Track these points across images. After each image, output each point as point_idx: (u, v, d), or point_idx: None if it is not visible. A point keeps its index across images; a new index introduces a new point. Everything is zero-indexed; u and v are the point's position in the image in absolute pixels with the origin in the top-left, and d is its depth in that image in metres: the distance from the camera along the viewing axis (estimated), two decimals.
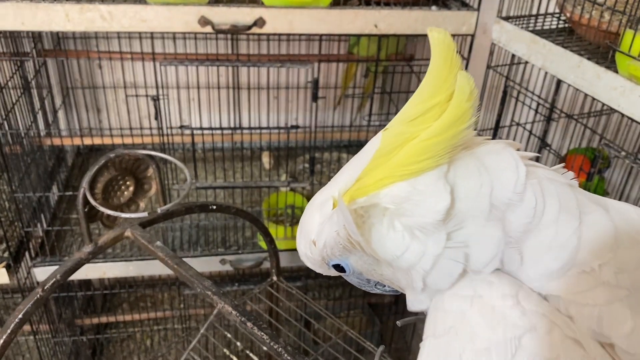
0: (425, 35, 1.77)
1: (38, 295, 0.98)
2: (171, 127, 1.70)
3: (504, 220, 0.54)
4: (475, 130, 0.55)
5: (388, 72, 2.23)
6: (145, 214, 1.01)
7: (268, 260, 1.88)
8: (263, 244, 1.89)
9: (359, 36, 1.90)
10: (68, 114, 2.12)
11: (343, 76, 2.21)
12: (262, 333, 0.87)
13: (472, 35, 1.62)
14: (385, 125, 0.59)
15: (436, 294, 0.57)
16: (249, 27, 1.46)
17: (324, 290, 2.44)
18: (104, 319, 2.26)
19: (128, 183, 1.10)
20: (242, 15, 1.46)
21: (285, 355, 0.83)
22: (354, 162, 0.58)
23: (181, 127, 1.64)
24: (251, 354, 1.27)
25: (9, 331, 0.96)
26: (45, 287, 1.00)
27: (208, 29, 1.46)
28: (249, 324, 0.89)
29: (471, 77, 0.53)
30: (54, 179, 2.01)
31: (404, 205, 0.54)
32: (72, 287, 2.10)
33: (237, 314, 0.90)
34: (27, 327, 2.11)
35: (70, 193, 1.92)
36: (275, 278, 1.51)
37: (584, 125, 1.58)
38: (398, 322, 0.74)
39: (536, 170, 0.56)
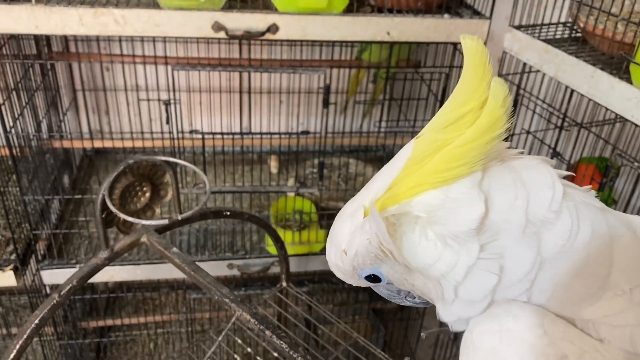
0: (436, 43, 1.76)
1: (55, 301, 0.98)
2: (182, 132, 1.70)
3: (539, 239, 0.54)
4: (508, 138, 0.55)
5: (396, 78, 2.23)
6: (165, 221, 1.01)
7: (275, 265, 1.88)
8: (271, 249, 1.90)
9: (370, 43, 1.90)
10: (76, 117, 2.12)
11: (352, 81, 2.21)
12: (281, 341, 0.87)
13: (484, 44, 1.62)
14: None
15: (471, 312, 0.57)
16: (263, 33, 1.46)
17: (329, 296, 2.44)
18: (108, 322, 2.26)
19: (145, 189, 1.10)
20: (256, 21, 1.46)
21: None
22: (386, 170, 0.58)
23: (192, 131, 1.63)
24: None
25: (25, 336, 0.96)
26: (62, 293, 1.00)
27: (221, 34, 1.46)
28: (267, 332, 0.89)
29: (505, 84, 0.53)
30: (60, 181, 2.00)
31: (436, 213, 0.54)
32: (76, 290, 2.09)
33: (256, 322, 0.90)
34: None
35: (79, 196, 1.92)
36: (284, 284, 1.50)
37: (596, 134, 1.58)
38: (423, 334, 0.74)
39: (572, 192, 0.56)
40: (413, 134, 2.06)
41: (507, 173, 0.55)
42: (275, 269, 1.88)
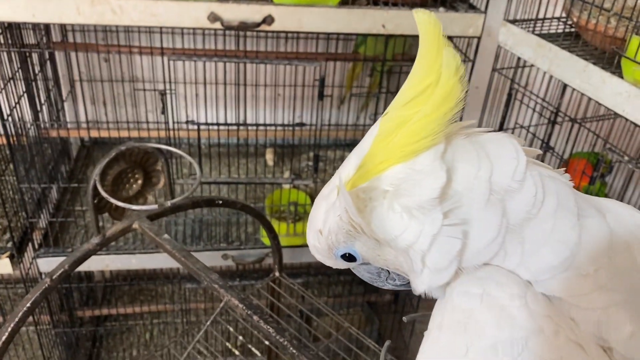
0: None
1: (46, 285, 0.99)
2: (178, 122, 1.71)
3: (504, 207, 0.55)
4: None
5: (393, 72, 2.24)
6: (155, 207, 1.02)
7: (270, 256, 1.89)
8: (266, 240, 1.91)
9: (366, 36, 1.91)
10: (74, 107, 2.13)
11: (348, 75, 2.22)
12: (268, 326, 0.88)
13: (479, 38, 1.63)
14: None
15: (440, 280, 0.57)
16: (258, 24, 1.47)
17: (324, 288, 2.45)
18: (104, 311, 2.27)
19: (137, 176, 1.11)
20: (252, 12, 1.47)
21: (291, 348, 0.84)
22: (356, 151, 0.60)
23: (187, 122, 1.64)
24: (253, 348, 1.28)
25: (17, 319, 0.97)
26: (54, 277, 1.01)
27: (217, 25, 1.47)
28: (255, 317, 0.90)
29: (457, 53, 0.55)
30: (57, 170, 2.02)
31: (402, 186, 0.55)
32: (72, 279, 2.11)
33: (244, 307, 0.91)
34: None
35: (76, 185, 1.93)
36: (277, 274, 1.52)
37: (588, 129, 1.59)
38: (404, 318, 0.75)
39: (537, 167, 0.57)
40: None
41: (471, 145, 0.57)
42: (271, 261, 1.90)
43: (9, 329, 0.96)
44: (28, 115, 1.78)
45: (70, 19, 1.42)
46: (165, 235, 1.04)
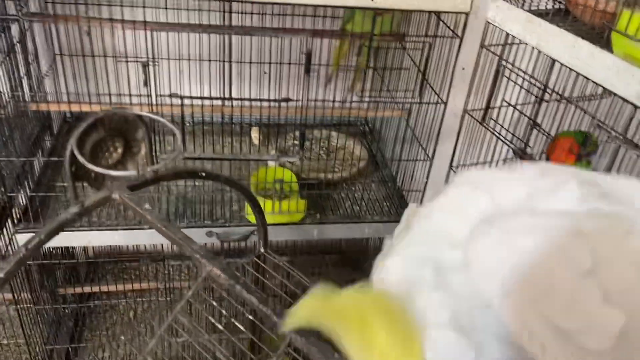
0: (420, 11, 1.74)
1: (21, 255, 0.97)
2: (161, 96, 1.67)
3: None
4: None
5: (381, 48, 2.22)
6: (133, 172, 1.00)
7: (255, 234, 1.88)
8: (251, 218, 1.89)
9: (353, 9, 1.88)
10: (55, 81, 2.08)
11: (335, 53, 2.20)
12: (251, 296, 0.86)
13: (467, 14, 1.61)
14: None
15: None
16: None
17: (308, 268, 2.45)
18: (87, 289, 2.25)
19: (117, 145, 1.08)
20: None
21: (274, 317, 0.83)
22: None
23: (171, 95, 1.61)
24: (236, 323, 1.27)
25: None
26: (29, 247, 0.98)
27: None
28: (237, 286, 0.88)
29: None
30: (38, 146, 1.97)
31: None
32: (55, 256, 2.08)
33: (226, 277, 0.89)
34: (8, 296, 2.10)
35: (56, 159, 1.89)
36: (262, 249, 1.50)
37: (577, 105, 1.58)
38: None
39: None
40: (395, 105, 2.05)
41: None
42: (256, 240, 1.88)
43: None
44: (6, 88, 1.73)
45: None
46: (147, 206, 1.02)
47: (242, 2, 1.45)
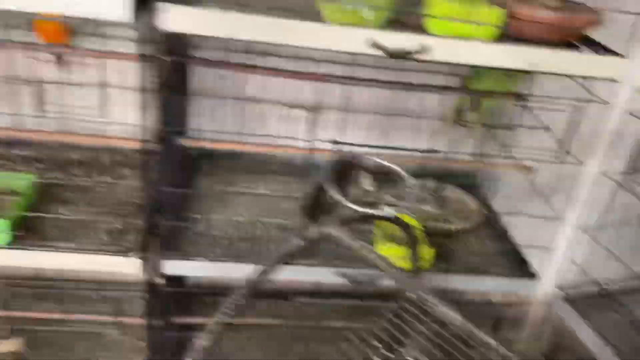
0: (569, 76, 1.76)
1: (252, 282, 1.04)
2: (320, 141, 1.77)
3: None
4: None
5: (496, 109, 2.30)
6: (392, 212, 1.05)
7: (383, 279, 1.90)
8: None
9: (512, 71, 1.94)
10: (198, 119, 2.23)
11: (453, 109, 2.29)
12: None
13: (615, 80, 1.68)
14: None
15: None
16: (417, 53, 1.54)
17: None
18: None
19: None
20: (410, 41, 1.54)
21: None
22: None
23: (334, 142, 1.70)
24: None
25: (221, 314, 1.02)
26: (260, 275, 1.06)
27: (377, 51, 1.53)
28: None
29: None
30: (176, 179, 2.08)
31: None
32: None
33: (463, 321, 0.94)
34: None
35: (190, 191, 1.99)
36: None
37: None
38: None
39: None
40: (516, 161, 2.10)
41: None
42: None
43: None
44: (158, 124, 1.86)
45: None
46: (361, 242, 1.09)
47: (414, 59, 1.55)
